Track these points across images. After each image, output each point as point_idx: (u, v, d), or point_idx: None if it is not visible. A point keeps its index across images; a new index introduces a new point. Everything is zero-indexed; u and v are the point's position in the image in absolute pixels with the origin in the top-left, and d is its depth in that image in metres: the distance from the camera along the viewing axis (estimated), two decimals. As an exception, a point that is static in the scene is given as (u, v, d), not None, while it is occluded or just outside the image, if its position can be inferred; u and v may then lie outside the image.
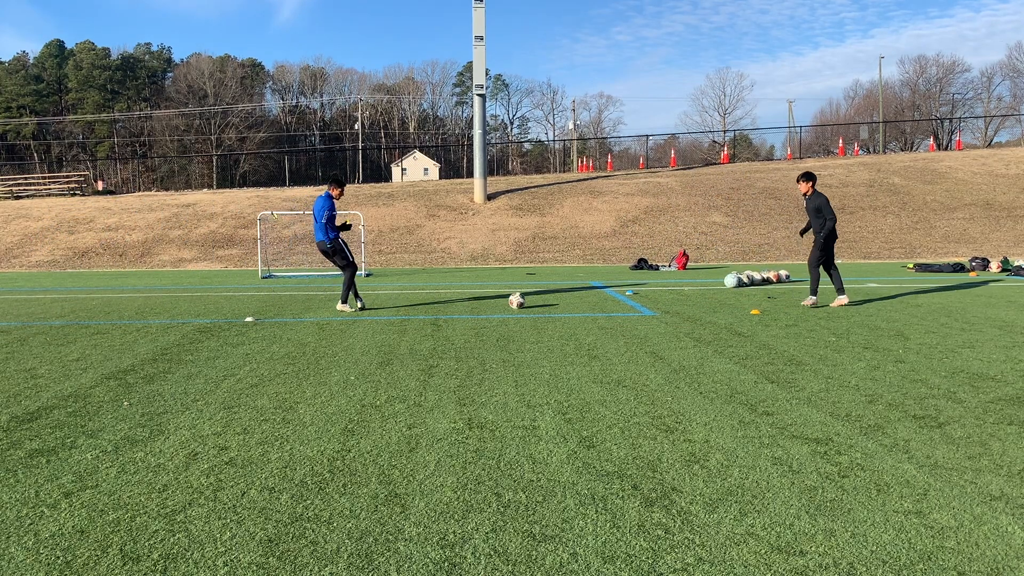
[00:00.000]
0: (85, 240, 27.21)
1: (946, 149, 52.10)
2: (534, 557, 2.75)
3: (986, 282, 14.08)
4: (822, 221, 9.92)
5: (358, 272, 19.01)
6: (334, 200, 10.27)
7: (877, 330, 8.06)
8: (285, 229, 26.75)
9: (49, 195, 36.79)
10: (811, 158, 44.83)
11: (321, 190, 35.76)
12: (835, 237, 10.15)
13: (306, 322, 9.30)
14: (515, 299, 10.38)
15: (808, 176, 10.18)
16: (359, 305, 10.36)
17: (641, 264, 20.45)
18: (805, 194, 10.22)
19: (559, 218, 27.72)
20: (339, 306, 10.27)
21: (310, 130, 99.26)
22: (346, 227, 10.26)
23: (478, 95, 29.31)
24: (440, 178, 65.86)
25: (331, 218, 10.15)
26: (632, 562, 2.70)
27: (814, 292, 10.18)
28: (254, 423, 4.58)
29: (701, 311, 9.96)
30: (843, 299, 10.10)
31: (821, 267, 10.20)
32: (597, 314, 9.77)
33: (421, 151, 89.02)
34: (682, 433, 4.27)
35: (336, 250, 10.18)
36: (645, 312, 9.95)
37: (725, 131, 78.75)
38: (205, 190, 46.82)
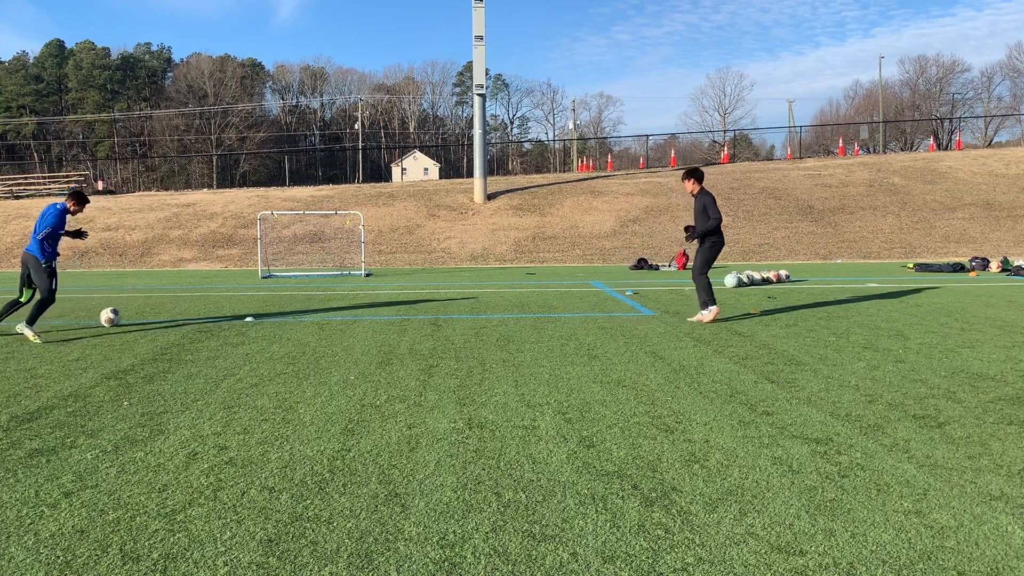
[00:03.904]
0: (85, 240, 27.20)
1: (946, 149, 52.07)
2: (534, 557, 2.75)
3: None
4: (706, 220, 8.73)
5: (359, 272, 19.16)
6: (69, 216, 8.26)
7: (877, 330, 8.06)
8: (285, 229, 26.75)
9: (49, 195, 36.74)
10: (811, 158, 44.81)
11: (321, 190, 35.81)
12: (722, 243, 8.93)
13: (306, 322, 9.29)
14: (105, 314, 8.93)
15: (694, 173, 8.97)
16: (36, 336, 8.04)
17: (641, 264, 20.46)
18: (692, 193, 8.97)
19: (559, 218, 27.71)
20: (20, 326, 8.09)
21: (310, 130, 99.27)
22: (81, 235, 8.46)
23: (478, 95, 29.31)
24: (440, 178, 65.83)
25: (55, 237, 8.11)
26: (632, 562, 2.70)
27: (710, 302, 8.82)
28: (254, 423, 4.58)
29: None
30: (706, 315, 8.84)
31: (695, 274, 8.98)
32: (597, 314, 9.77)
33: (421, 151, 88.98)
34: (682, 433, 4.27)
35: (51, 273, 8.07)
36: (645, 312, 9.95)
37: (725, 131, 78.73)
38: (205, 190, 46.82)
